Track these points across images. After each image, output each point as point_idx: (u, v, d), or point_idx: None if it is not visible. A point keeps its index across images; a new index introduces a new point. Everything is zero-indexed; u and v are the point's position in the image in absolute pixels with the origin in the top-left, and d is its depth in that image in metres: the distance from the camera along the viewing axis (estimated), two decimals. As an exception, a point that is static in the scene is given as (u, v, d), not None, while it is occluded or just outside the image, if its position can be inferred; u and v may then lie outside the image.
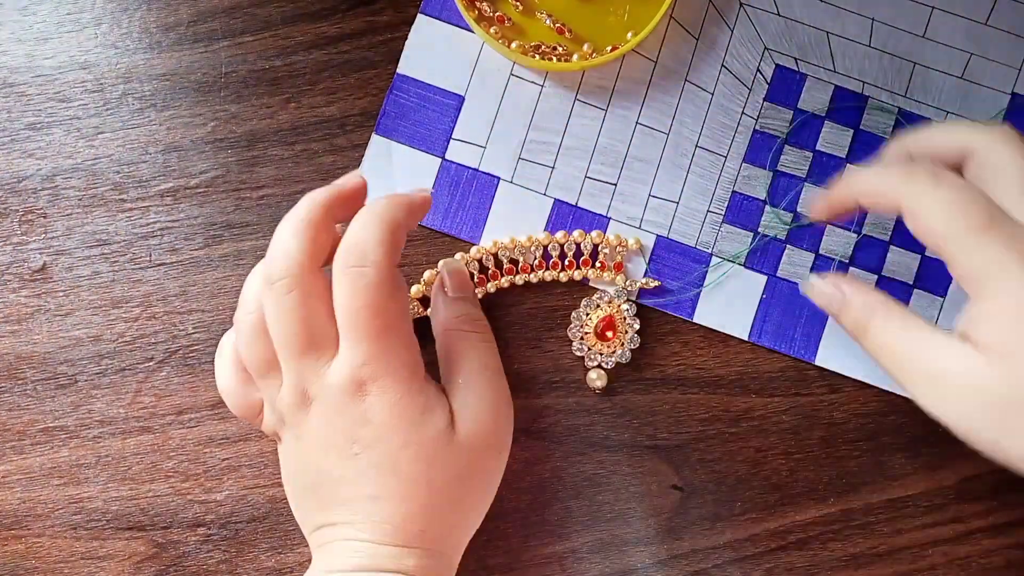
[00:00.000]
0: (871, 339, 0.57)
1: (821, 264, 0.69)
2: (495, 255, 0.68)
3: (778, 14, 0.69)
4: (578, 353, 0.68)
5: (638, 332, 0.68)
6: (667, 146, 0.69)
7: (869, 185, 0.59)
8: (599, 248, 0.68)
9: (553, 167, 0.69)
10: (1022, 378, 0.51)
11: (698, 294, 0.69)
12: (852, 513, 0.69)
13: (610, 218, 0.69)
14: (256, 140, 0.69)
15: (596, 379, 0.68)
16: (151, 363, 0.69)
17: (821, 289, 0.61)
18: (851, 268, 0.69)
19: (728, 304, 0.69)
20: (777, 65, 0.69)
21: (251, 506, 0.68)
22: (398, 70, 0.69)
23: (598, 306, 0.68)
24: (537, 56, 0.67)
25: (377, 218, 0.57)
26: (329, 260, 0.58)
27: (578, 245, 0.68)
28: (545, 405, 0.69)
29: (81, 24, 0.69)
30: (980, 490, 0.69)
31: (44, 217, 0.68)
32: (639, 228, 0.69)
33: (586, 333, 0.68)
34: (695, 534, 0.69)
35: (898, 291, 0.68)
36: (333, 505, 0.59)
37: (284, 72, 0.69)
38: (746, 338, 0.69)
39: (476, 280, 0.68)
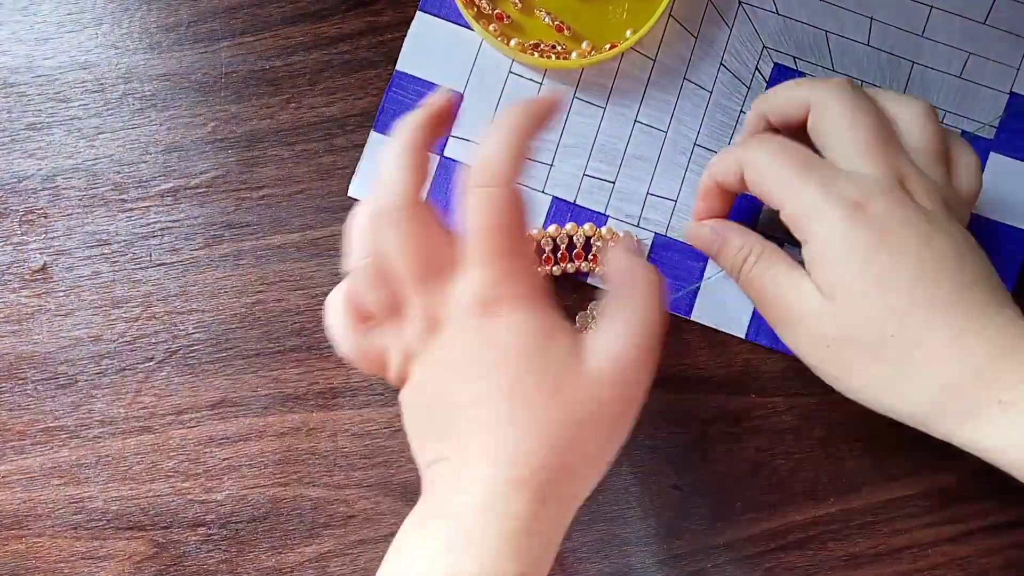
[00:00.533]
0: (743, 277, 0.63)
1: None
2: None
3: (777, 13, 0.69)
4: None
5: None
6: (666, 144, 0.69)
7: (718, 167, 0.63)
8: (592, 241, 0.69)
9: (551, 165, 0.69)
10: (847, 316, 0.56)
11: (696, 292, 0.69)
12: (852, 513, 0.69)
13: (608, 216, 0.69)
14: (256, 140, 0.69)
15: None
16: (151, 363, 0.69)
17: (700, 232, 0.66)
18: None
19: (725, 303, 0.69)
20: (776, 64, 0.69)
21: (251, 506, 0.68)
22: (397, 67, 0.69)
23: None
24: (536, 54, 0.68)
25: (507, 135, 0.55)
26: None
27: (571, 238, 0.68)
28: (545, 405, 0.69)
29: (81, 24, 0.69)
30: (980, 490, 0.69)
31: (44, 217, 0.69)
32: (637, 226, 0.69)
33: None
34: (695, 534, 0.69)
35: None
36: (451, 434, 0.55)
37: (284, 72, 0.69)
38: (743, 336, 0.69)
39: None
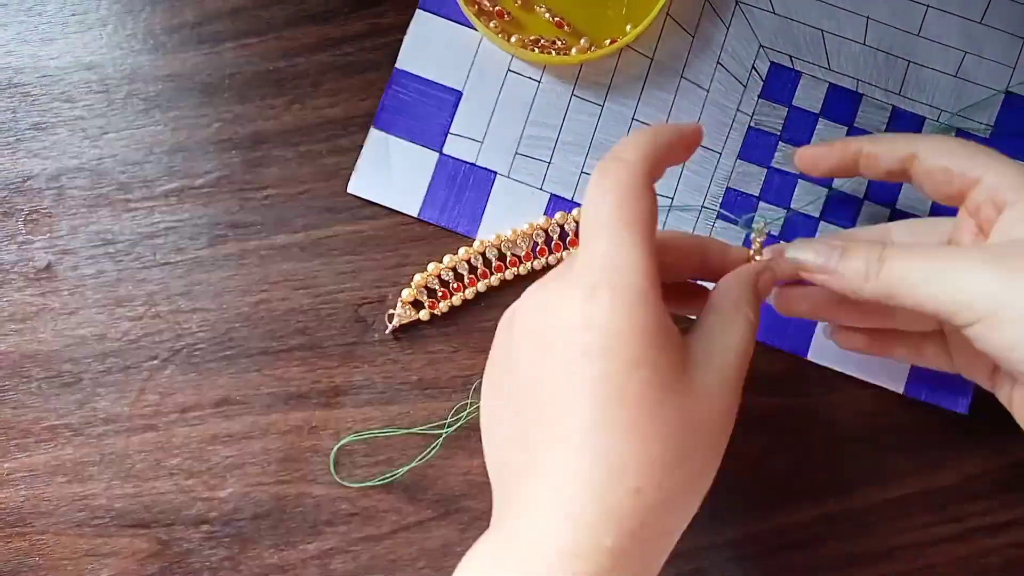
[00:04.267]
0: (884, 274, 0.52)
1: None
2: (483, 254, 0.69)
3: (773, 12, 0.69)
4: None
5: None
6: (663, 142, 0.69)
7: (882, 145, 0.60)
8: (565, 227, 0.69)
9: (550, 162, 0.69)
10: None
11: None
12: (851, 512, 0.69)
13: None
14: (260, 141, 0.69)
15: None
16: (155, 361, 0.69)
17: (816, 247, 0.56)
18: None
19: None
20: (772, 63, 0.69)
21: (254, 503, 0.69)
22: (396, 65, 0.70)
23: None
24: (536, 50, 0.68)
25: (644, 131, 0.51)
26: None
27: (562, 227, 0.69)
28: (546, 404, 0.69)
29: (87, 25, 0.70)
30: (979, 489, 0.69)
31: (49, 217, 0.69)
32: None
33: None
34: (695, 533, 0.68)
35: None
36: (538, 445, 0.48)
37: (288, 74, 0.70)
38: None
39: (467, 281, 0.69)
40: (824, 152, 0.63)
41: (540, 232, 0.69)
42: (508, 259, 0.69)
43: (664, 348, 0.47)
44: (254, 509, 0.69)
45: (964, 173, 0.55)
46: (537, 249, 0.69)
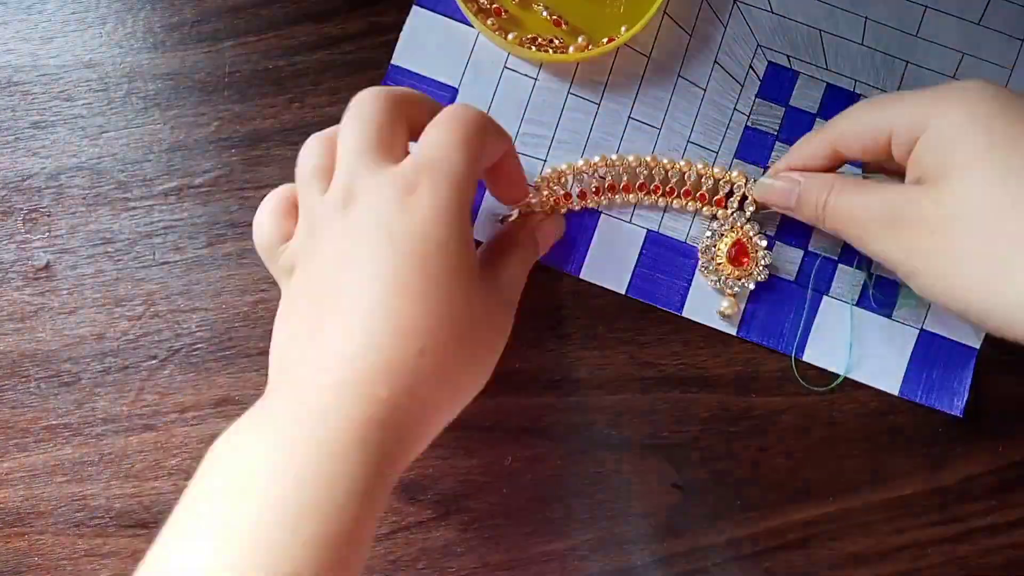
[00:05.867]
0: (831, 211, 0.62)
1: (808, 261, 0.69)
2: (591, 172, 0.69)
3: (771, 11, 0.69)
4: (713, 287, 0.69)
5: (767, 248, 0.69)
6: (659, 141, 0.69)
7: (804, 151, 0.65)
8: (719, 184, 0.69)
9: (545, 160, 0.69)
10: (957, 196, 0.55)
11: (687, 288, 0.69)
12: (852, 512, 0.69)
13: (601, 212, 0.69)
14: (260, 140, 0.69)
15: (728, 307, 0.68)
16: (154, 361, 0.69)
17: (775, 185, 0.66)
18: (839, 265, 0.69)
19: (716, 299, 0.69)
20: (769, 62, 0.69)
21: (252, 504, 0.69)
22: (392, 61, 0.69)
23: (722, 235, 0.69)
24: (533, 48, 0.68)
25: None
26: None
27: (683, 174, 0.69)
28: (547, 404, 0.69)
29: (86, 23, 0.70)
30: (979, 490, 0.69)
31: (48, 216, 0.69)
32: (629, 222, 0.69)
33: (719, 263, 0.68)
34: (695, 532, 0.69)
35: (887, 287, 0.69)
36: (334, 314, 0.52)
37: (288, 72, 0.70)
38: (734, 333, 0.69)
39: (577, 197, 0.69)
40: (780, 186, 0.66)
41: (630, 169, 0.69)
42: (623, 183, 0.69)
43: (467, 244, 0.55)
44: (252, 509, 0.69)
45: (877, 137, 0.60)
46: (638, 184, 0.69)
